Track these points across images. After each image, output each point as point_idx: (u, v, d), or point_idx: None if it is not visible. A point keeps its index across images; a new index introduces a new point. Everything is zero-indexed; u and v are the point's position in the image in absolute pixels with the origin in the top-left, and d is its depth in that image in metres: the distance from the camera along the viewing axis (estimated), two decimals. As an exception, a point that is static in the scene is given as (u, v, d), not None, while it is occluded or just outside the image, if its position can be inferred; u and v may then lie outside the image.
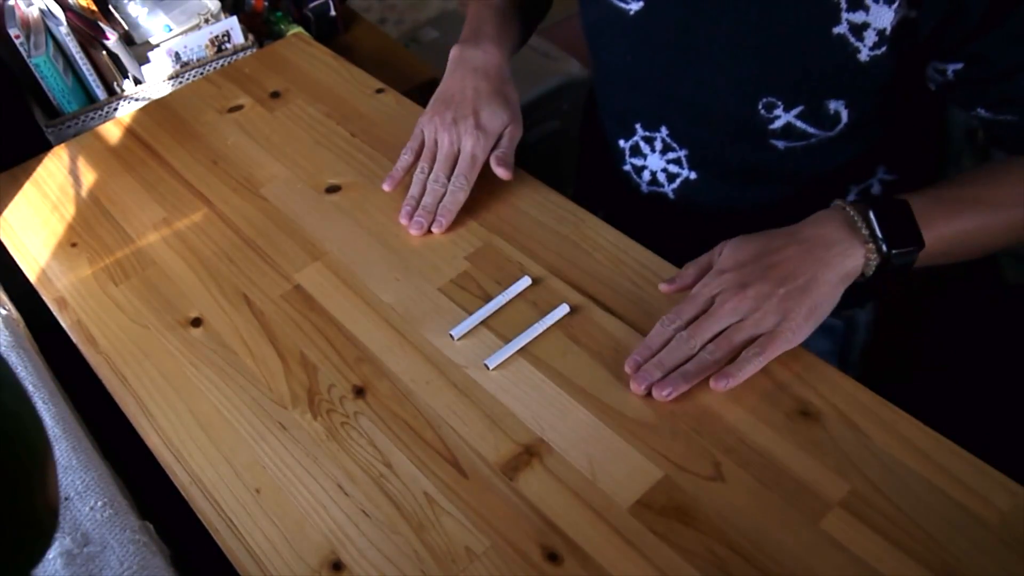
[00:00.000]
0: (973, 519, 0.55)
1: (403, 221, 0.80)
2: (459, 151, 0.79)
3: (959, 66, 0.65)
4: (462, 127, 0.79)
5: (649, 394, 0.63)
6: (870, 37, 0.65)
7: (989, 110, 0.67)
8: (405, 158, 0.82)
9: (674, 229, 0.88)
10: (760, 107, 0.73)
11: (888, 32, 0.64)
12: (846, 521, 0.56)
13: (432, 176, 0.80)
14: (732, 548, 0.55)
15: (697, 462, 0.60)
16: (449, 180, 0.79)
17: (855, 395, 0.63)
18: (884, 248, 0.63)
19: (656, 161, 0.85)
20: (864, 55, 0.66)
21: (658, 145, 0.84)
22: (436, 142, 0.80)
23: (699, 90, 0.76)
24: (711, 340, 0.63)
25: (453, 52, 0.84)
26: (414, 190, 0.80)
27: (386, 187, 0.82)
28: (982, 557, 0.53)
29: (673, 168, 0.85)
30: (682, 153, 0.83)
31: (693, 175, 0.84)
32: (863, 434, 0.60)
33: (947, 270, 0.75)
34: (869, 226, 0.63)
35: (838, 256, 0.63)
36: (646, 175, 0.87)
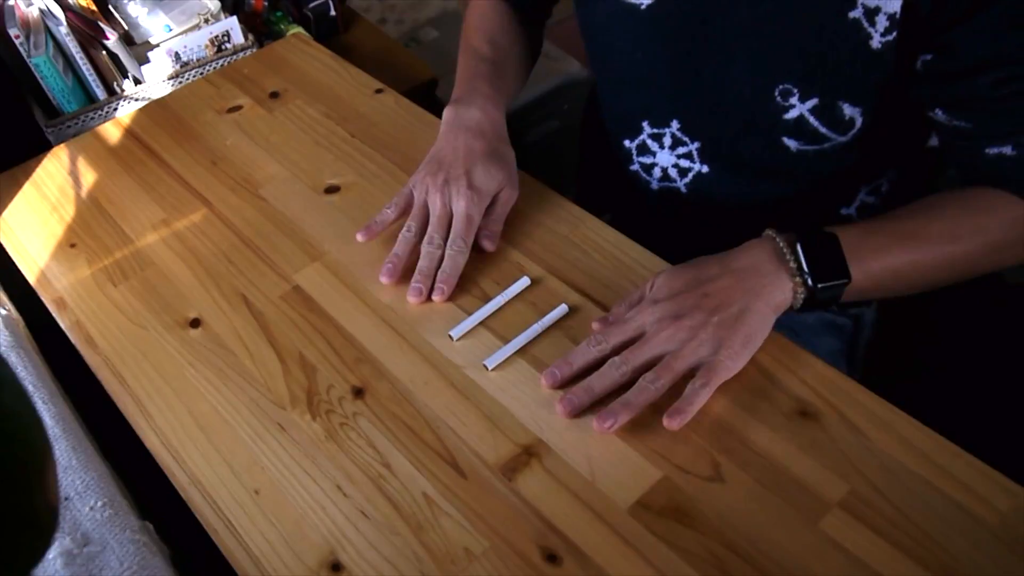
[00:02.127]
0: (973, 520, 0.55)
1: (384, 279, 0.74)
2: (452, 213, 0.75)
3: (928, 57, 0.65)
4: (454, 188, 0.75)
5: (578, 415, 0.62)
6: (881, 22, 0.65)
7: (946, 112, 0.67)
8: (388, 212, 0.77)
9: (687, 225, 0.88)
10: (776, 94, 0.73)
11: (898, 16, 0.64)
12: (845, 522, 0.56)
13: (426, 239, 0.75)
14: (731, 549, 0.55)
15: (696, 463, 0.60)
16: (445, 243, 0.74)
17: (855, 395, 0.63)
18: (810, 282, 0.63)
19: (666, 157, 0.85)
20: (876, 42, 0.66)
21: (667, 141, 0.84)
22: (427, 204, 0.76)
23: (715, 79, 0.76)
24: (643, 368, 0.62)
25: (447, 112, 0.81)
26: (399, 248, 0.75)
27: (360, 237, 0.77)
28: (981, 557, 0.53)
29: (684, 163, 0.84)
30: (694, 147, 0.83)
31: (705, 168, 0.84)
32: (863, 434, 0.60)
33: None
34: (796, 260, 0.64)
35: (768, 287, 0.63)
36: (656, 172, 0.87)
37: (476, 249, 0.76)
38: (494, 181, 0.77)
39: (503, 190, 0.78)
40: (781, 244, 0.65)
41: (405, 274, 0.74)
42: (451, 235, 0.75)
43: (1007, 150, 0.64)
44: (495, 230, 0.77)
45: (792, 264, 0.64)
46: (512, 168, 0.79)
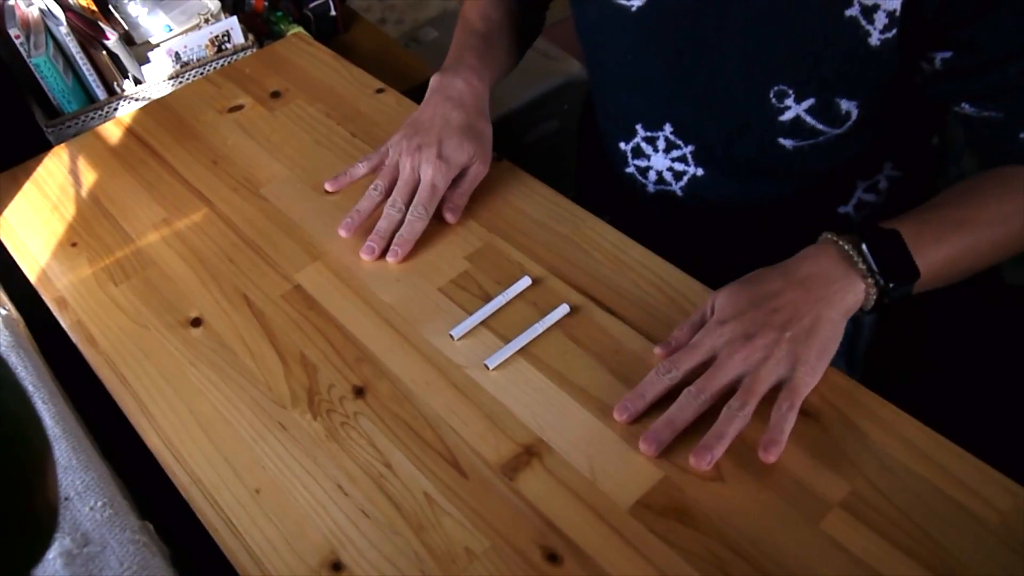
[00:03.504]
0: (973, 519, 0.55)
1: (343, 232, 0.78)
2: (419, 179, 0.77)
3: (948, 54, 0.64)
4: (424, 155, 0.77)
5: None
6: (880, 19, 0.64)
7: (974, 104, 0.67)
8: (360, 167, 0.80)
9: (683, 228, 0.88)
10: (771, 96, 0.72)
11: (898, 13, 0.64)
12: (846, 521, 0.56)
13: (389, 201, 0.77)
14: (732, 548, 0.55)
15: (697, 462, 0.60)
16: (407, 207, 0.77)
17: (855, 395, 0.63)
18: (882, 282, 0.62)
19: (661, 160, 0.85)
20: (875, 39, 0.66)
21: (661, 144, 0.84)
22: (397, 165, 0.79)
23: (709, 82, 0.76)
24: (719, 393, 0.60)
25: (432, 80, 0.83)
26: (362, 204, 0.78)
27: (328, 186, 0.81)
28: (982, 558, 0.53)
29: (679, 166, 0.84)
30: (687, 150, 0.83)
31: (700, 171, 0.83)
32: (863, 434, 0.60)
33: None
34: (865, 260, 0.62)
35: (839, 293, 0.62)
36: (652, 175, 0.87)
37: (437, 218, 0.78)
38: (464, 154, 0.78)
39: (473, 165, 0.79)
40: (846, 247, 0.63)
41: (364, 232, 0.77)
42: (414, 201, 0.77)
43: None
44: (459, 203, 0.79)
45: (862, 266, 0.62)
46: (486, 144, 0.81)
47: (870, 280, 0.62)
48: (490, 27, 0.89)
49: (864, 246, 0.62)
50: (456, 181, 0.79)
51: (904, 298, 0.64)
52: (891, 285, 0.62)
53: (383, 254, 0.76)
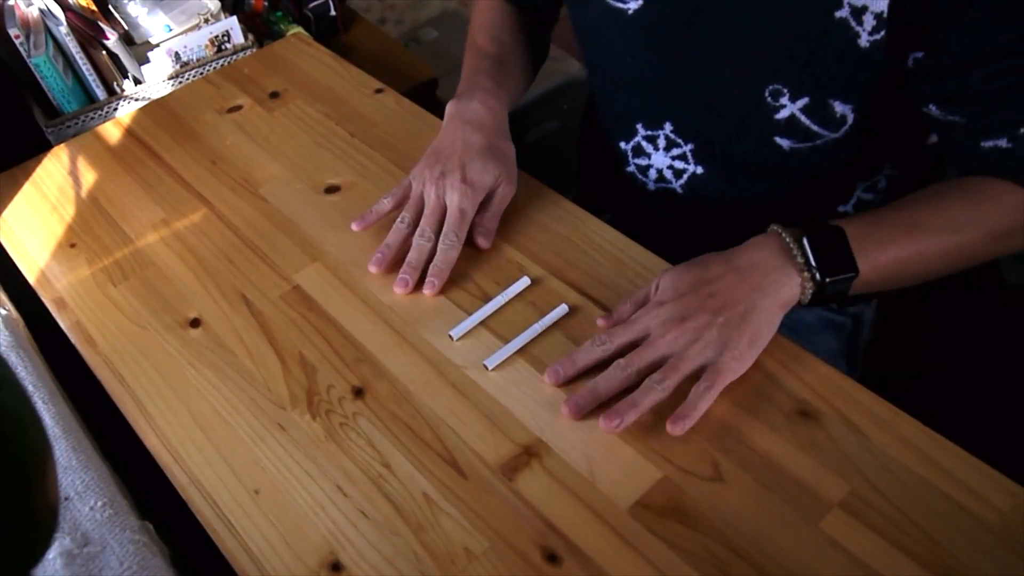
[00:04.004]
0: (973, 519, 0.55)
1: (373, 269, 0.74)
2: (446, 206, 0.75)
3: (920, 54, 0.65)
4: (448, 181, 0.75)
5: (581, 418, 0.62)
6: (868, 21, 0.65)
7: (939, 107, 0.67)
8: (384, 203, 0.78)
9: (684, 226, 0.88)
10: (767, 94, 0.72)
11: (885, 15, 0.64)
12: (846, 521, 0.56)
13: (418, 231, 0.75)
14: (731, 549, 0.55)
15: (696, 463, 0.60)
16: (437, 236, 0.75)
17: (855, 395, 0.63)
18: (818, 277, 0.63)
19: (661, 159, 0.85)
20: (864, 40, 0.66)
21: (661, 143, 0.84)
22: (422, 196, 0.76)
23: (705, 82, 0.76)
24: (649, 370, 0.62)
25: (449, 107, 0.82)
26: (391, 238, 0.75)
27: (355, 227, 0.77)
28: (982, 557, 0.53)
29: (679, 164, 0.84)
30: (687, 148, 0.83)
31: (700, 169, 0.84)
32: (863, 434, 0.60)
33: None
34: (804, 254, 0.63)
35: (774, 283, 0.63)
36: (652, 173, 0.87)
37: (470, 245, 0.76)
38: (490, 176, 0.76)
39: (500, 186, 0.77)
40: (787, 239, 0.65)
41: (395, 265, 0.75)
42: (444, 229, 0.75)
43: (1002, 143, 0.64)
44: (490, 227, 0.77)
45: (799, 259, 0.63)
46: (511, 164, 0.79)
47: (806, 274, 0.63)
48: (501, 50, 0.88)
49: (805, 240, 0.64)
50: (484, 204, 0.77)
51: (842, 295, 0.65)
52: (828, 280, 0.63)
53: (418, 286, 0.73)
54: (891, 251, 0.65)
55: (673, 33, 0.75)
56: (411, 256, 0.74)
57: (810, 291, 0.64)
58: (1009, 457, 0.62)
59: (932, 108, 0.67)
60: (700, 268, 0.66)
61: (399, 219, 0.76)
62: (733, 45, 0.72)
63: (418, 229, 0.75)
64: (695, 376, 0.62)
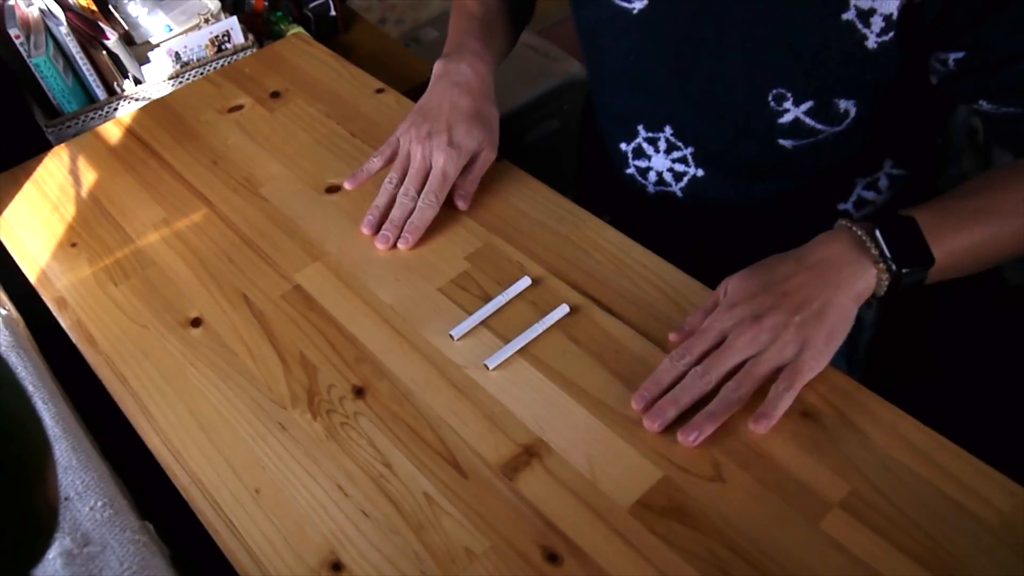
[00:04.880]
0: (973, 519, 0.55)
1: (365, 230, 0.78)
2: (431, 166, 0.78)
3: (961, 55, 0.64)
4: (435, 142, 0.77)
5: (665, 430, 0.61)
6: (877, 23, 0.65)
7: (991, 101, 0.67)
8: (374, 162, 0.81)
9: (684, 228, 0.88)
10: (770, 99, 0.72)
11: (895, 17, 0.64)
12: (846, 521, 0.56)
13: (402, 190, 0.78)
14: (732, 549, 0.55)
15: (697, 463, 0.60)
16: (419, 195, 0.77)
17: (855, 395, 0.63)
18: (894, 267, 0.62)
19: (661, 161, 0.85)
20: (872, 42, 0.66)
21: (662, 145, 0.84)
22: (409, 154, 0.79)
23: (709, 84, 0.76)
24: (727, 375, 0.61)
25: (436, 66, 0.83)
26: (380, 199, 0.79)
27: (347, 185, 0.81)
28: (982, 557, 0.53)
29: (679, 167, 0.84)
30: (688, 151, 0.83)
31: (700, 172, 0.84)
32: (863, 434, 0.60)
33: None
34: (878, 246, 0.62)
35: (849, 278, 0.62)
36: (652, 176, 0.87)
37: (448, 206, 0.79)
38: (474, 141, 0.79)
39: (483, 151, 0.80)
40: (859, 232, 0.63)
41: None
42: (425, 189, 0.77)
43: None
44: (470, 190, 0.80)
45: (874, 251, 0.62)
46: (494, 129, 0.81)
47: (882, 265, 0.62)
48: (487, 11, 0.89)
49: (877, 232, 0.62)
50: (465, 168, 0.79)
51: (919, 285, 0.64)
52: (904, 271, 0.62)
53: (396, 242, 0.77)
54: (964, 237, 0.64)
55: (677, 34, 0.75)
56: (393, 213, 0.78)
57: (886, 283, 0.62)
58: (1009, 457, 0.62)
59: (983, 104, 0.67)
60: (769, 269, 0.64)
61: (387, 179, 0.80)
62: (737, 47, 0.72)
63: (402, 188, 0.78)
64: (774, 377, 0.61)
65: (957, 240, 0.64)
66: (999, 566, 0.53)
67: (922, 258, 0.62)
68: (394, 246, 0.77)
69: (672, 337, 0.67)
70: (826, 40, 0.67)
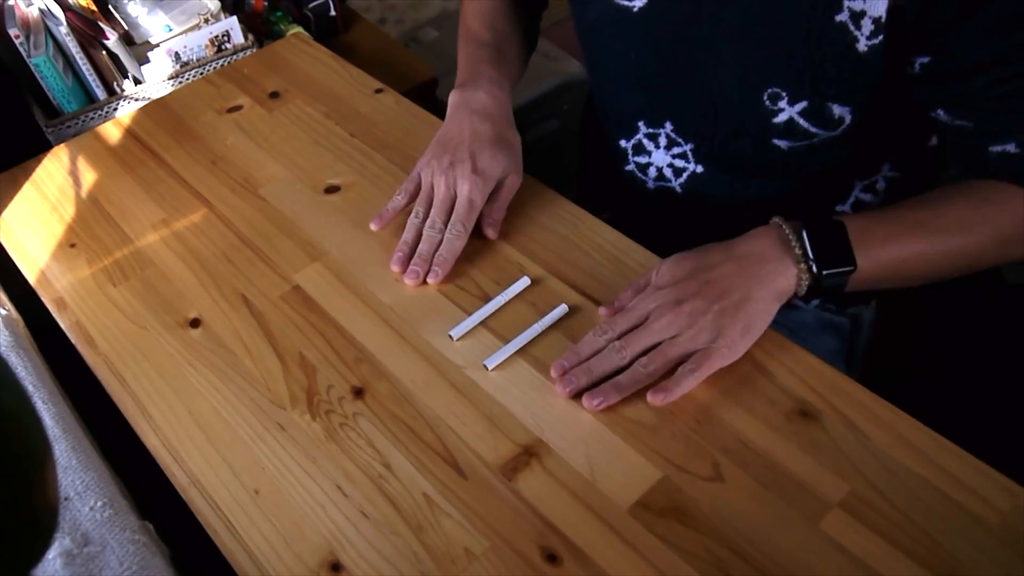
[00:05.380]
0: (973, 519, 0.55)
1: (395, 268, 0.75)
2: (456, 196, 0.75)
3: (926, 59, 0.65)
4: (459, 171, 0.75)
5: (576, 397, 0.64)
6: (867, 26, 0.65)
7: (947, 112, 0.67)
8: (398, 199, 0.78)
9: (682, 225, 0.88)
10: (765, 98, 0.73)
11: (883, 20, 0.64)
12: (846, 522, 0.56)
13: (428, 222, 0.75)
14: (731, 549, 0.55)
15: (696, 463, 0.60)
16: (446, 227, 0.75)
17: (855, 395, 0.63)
18: (815, 269, 0.63)
19: (661, 157, 0.85)
20: (862, 44, 0.66)
21: (662, 141, 0.84)
22: (432, 186, 0.76)
23: (705, 83, 0.76)
24: (643, 353, 0.63)
25: (452, 96, 0.81)
26: (407, 235, 0.76)
27: (373, 226, 0.78)
28: (982, 558, 0.53)
29: (679, 163, 0.85)
30: (688, 148, 0.83)
31: (700, 168, 0.84)
32: (863, 434, 0.60)
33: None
34: (802, 246, 0.64)
35: (771, 274, 0.64)
36: (652, 171, 0.87)
37: (477, 235, 0.77)
38: (499, 166, 0.77)
39: (508, 176, 0.78)
40: (787, 231, 0.65)
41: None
42: (452, 219, 0.75)
43: (1010, 148, 0.64)
44: (498, 217, 0.77)
45: (797, 250, 0.64)
46: (518, 154, 0.79)
47: (803, 265, 0.64)
48: (497, 37, 0.88)
49: (804, 232, 0.64)
50: (491, 195, 0.77)
51: (839, 289, 0.65)
52: (824, 273, 0.63)
53: (426, 277, 0.74)
54: (893, 248, 0.65)
55: (675, 32, 0.75)
56: (421, 247, 0.75)
57: (806, 283, 0.64)
58: (1009, 457, 0.62)
59: (940, 113, 0.67)
60: (699, 256, 0.66)
61: (413, 214, 0.77)
62: (733, 47, 0.72)
63: (428, 220, 0.76)
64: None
65: (885, 251, 0.65)
66: (999, 566, 0.53)
67: (844, 262, 0.64)
68: (424, 282, 0.74)
69: (602, 311, 0.69)
70: (819, 41, 0.67)
